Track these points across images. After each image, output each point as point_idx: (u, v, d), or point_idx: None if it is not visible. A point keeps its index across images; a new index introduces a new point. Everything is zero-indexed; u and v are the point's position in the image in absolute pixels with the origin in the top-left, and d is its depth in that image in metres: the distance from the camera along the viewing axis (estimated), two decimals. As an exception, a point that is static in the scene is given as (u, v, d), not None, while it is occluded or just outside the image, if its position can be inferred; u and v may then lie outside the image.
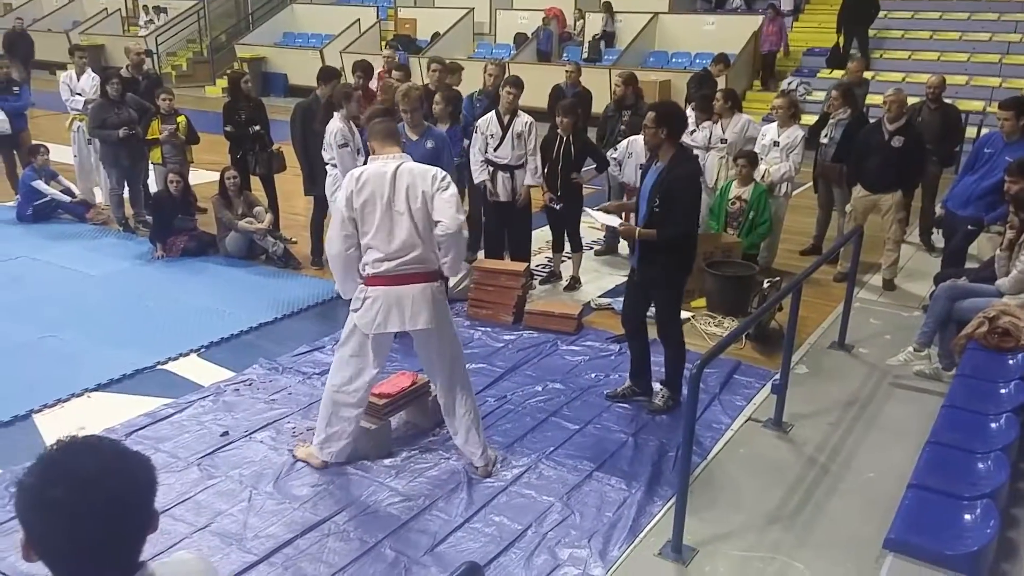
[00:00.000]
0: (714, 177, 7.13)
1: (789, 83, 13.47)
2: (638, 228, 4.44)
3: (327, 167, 6.26)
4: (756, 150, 6.93)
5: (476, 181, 6.47)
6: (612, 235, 7.50)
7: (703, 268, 6.27)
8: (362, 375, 3.89)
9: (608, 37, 15.91)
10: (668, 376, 4.78)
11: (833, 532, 3.62)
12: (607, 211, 4.86)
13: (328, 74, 6.92)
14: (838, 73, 12.90)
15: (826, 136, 7.34)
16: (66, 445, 1.26)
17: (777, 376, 4.59)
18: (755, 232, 6.73)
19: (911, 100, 7.13)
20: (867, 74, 10.75)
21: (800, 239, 7.75)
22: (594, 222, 5.89)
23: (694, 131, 7.08)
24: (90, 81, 8.61)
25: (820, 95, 13.44)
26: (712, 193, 6.96)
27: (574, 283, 6.71)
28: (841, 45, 13.76)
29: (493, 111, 6.35)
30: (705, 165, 7.40)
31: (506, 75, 7.11)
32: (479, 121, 6.42)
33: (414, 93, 5.69)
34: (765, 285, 5.97)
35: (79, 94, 8.56)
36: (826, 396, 4.88)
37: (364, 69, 7.38)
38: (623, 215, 5.35)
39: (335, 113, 6.12)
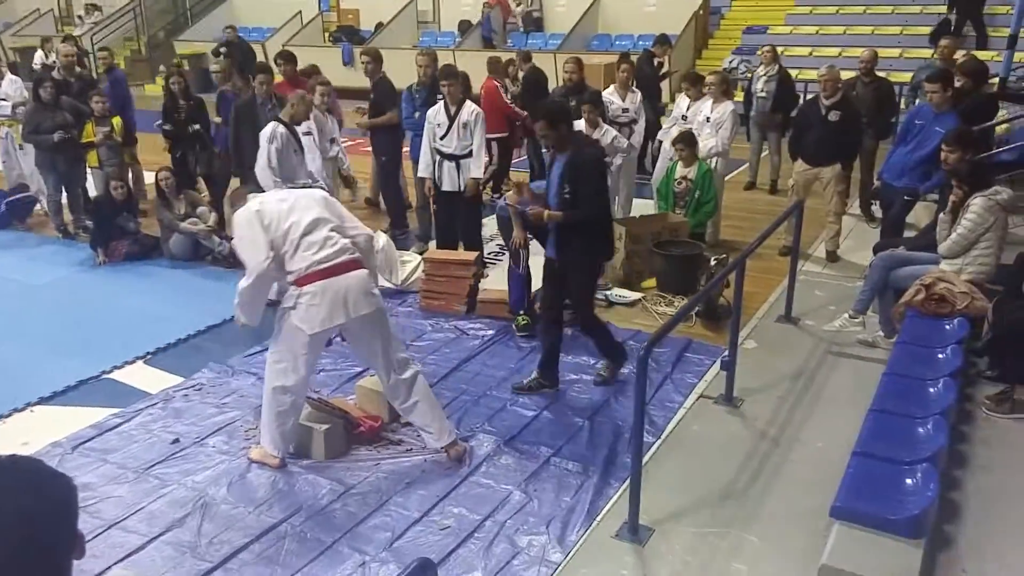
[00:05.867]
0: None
1: (730, 62, 13.59)
2: (547, 211, 4.48)
3: None
4: (693, 128, 7.02)
5: (419, 174, 6.48)
6: None
7: (652, 249, 6.34)
8: (302, 370, 3.90)
9: (535, 22, 15.94)
10: (604, 350, 4.86)
11: (785, 504, 3.70)
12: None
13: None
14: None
15: (763, 91, 8.74)
16: None
17: (726, 352, 4.66)
18: (701, 211, 6.81)
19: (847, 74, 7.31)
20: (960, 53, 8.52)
21: (740, 215, 7.89)
22: None
23: (685, 115, 7.28)
24: (12, 84, 8.34)
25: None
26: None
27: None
28: (953, 23, 12.87)
29: (442, 101, 6.33)
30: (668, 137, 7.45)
31: (439, 65, 7.12)
32: (429, 111, 6.40)
33: None
34: (712, 263, 6.06)
35: (3, 99, 8.29)
36: (774, 370, 4.97)
37: (285, 57, 7.72)
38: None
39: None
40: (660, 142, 7.74)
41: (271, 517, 3.67)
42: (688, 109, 7.33)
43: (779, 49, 13.68)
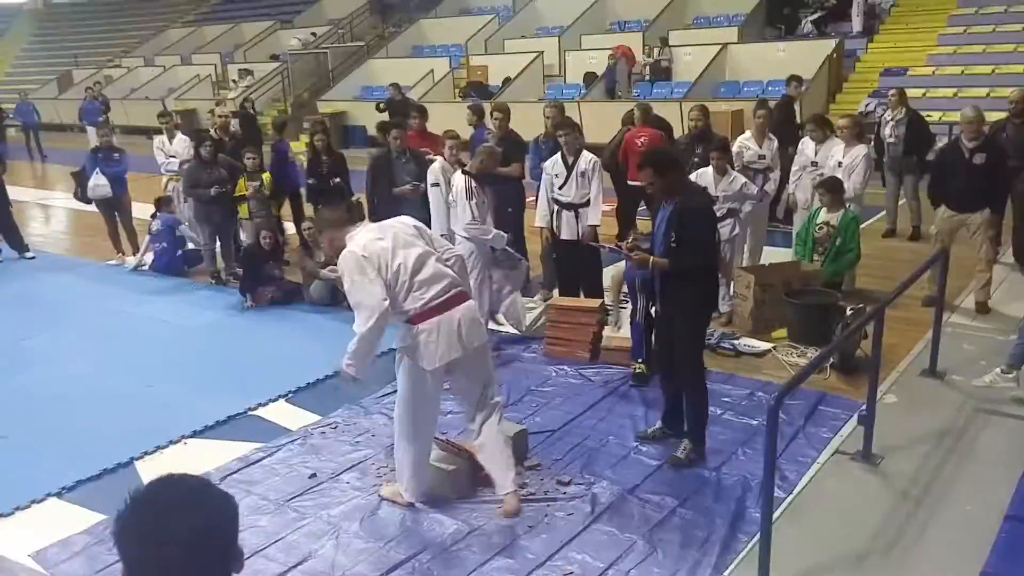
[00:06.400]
0: (808, 199, 7.08)
1: (866, 104, 13.17)
2: (653, 257, 4.39)
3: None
4: (824, 172, 6.85)
5: (537, 224, 6.63)
6: None
7: (784, 298, 6.17)
8: (428, 411, 4.04)
9: (664, 71, 16.00)
10: (689, 425, 4.54)
11: (929, 569, 3.47)
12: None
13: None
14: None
15: (892, 136, 8.53)
16: (154, 480, 1.39)
17: (864, 406, 4.46)
18: (842, 259, 6.58)
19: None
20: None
21: (878, 263, 7.54)
22: None
23: (814, 161, 7.16)
24: (182, 143, 9.15)
25: (901, 115, 13.06)
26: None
27: None
28: None
29: (559, 152, 6.48)
30: (798, 185, 7.31)
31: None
32: (545, 163, 6.56)
33: None
34: (848, 312, 5.83)
35: (173, 156, 9.11)
36: (917, 426, 4.70)
37: (419, 110, 8.35)
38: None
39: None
40: (791, 191, 7.55)
41: (399, 553, 3.78)
42: (816, 154, 7.16)
43: (921, 91, 13.26)
